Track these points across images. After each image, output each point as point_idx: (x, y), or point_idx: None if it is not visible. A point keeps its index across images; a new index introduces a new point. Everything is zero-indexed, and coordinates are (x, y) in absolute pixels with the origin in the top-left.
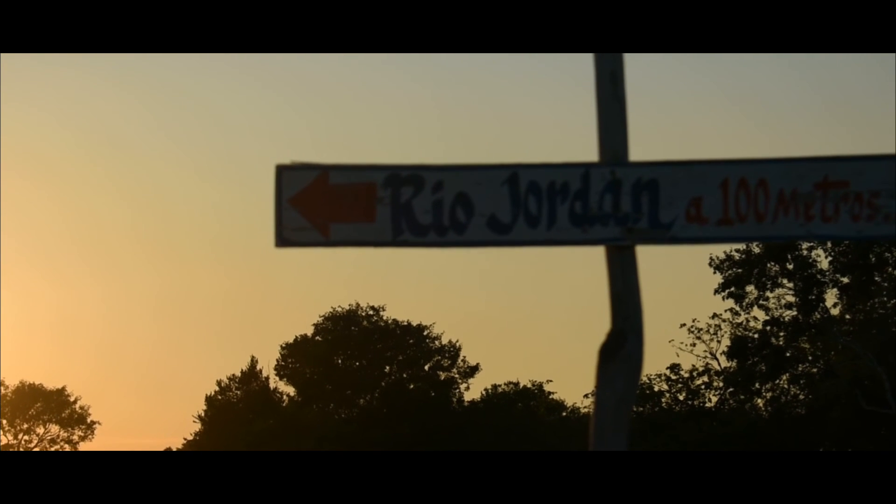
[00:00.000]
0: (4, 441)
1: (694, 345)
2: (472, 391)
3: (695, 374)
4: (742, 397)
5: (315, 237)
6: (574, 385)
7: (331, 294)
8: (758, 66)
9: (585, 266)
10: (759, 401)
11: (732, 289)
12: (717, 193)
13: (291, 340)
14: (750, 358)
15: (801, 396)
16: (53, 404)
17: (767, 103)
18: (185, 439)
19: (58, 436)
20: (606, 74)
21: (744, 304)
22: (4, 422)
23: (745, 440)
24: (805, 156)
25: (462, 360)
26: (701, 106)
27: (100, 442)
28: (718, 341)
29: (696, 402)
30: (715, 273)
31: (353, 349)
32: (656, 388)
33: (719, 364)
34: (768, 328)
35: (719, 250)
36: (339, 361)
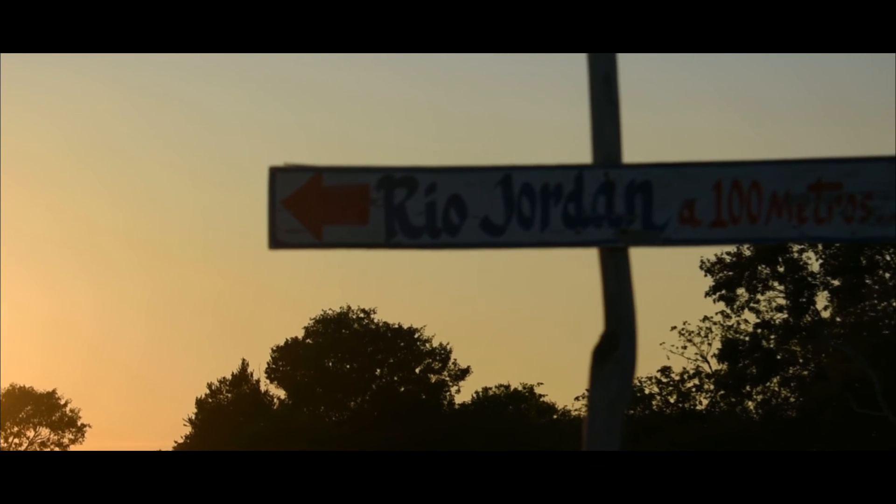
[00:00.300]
0: None
1: (685, 347)
2: (463, 394)
3: (685, 376)
4: (733, 400)
5: (308, 239)
6: (565, 388)
7: (322, 297)
8: (751, 68)
9: (577, 268)
10: (750, 404)
11: (723, 291)
12: (711, 195)
13: (282, 343)
14: (741, 361)
15: (792, 399)
16: (44, 407)
17: (761, 105)
18: (175, 442)
19: (48, 439)
20: (600, 76)
21: (734, 306)
22: None
23: (735, 443)
24: (798, 157)
25: (453, 363)
26: (694, 108)
27: (90, 445)
28: (709, 344)
29: (686, 405)
30: (706, 276)
31: (344, 352)
32: (647, 391)
33: (710, 367)
34: (759, 331)
35: (710, 253)
36: (330, 364)
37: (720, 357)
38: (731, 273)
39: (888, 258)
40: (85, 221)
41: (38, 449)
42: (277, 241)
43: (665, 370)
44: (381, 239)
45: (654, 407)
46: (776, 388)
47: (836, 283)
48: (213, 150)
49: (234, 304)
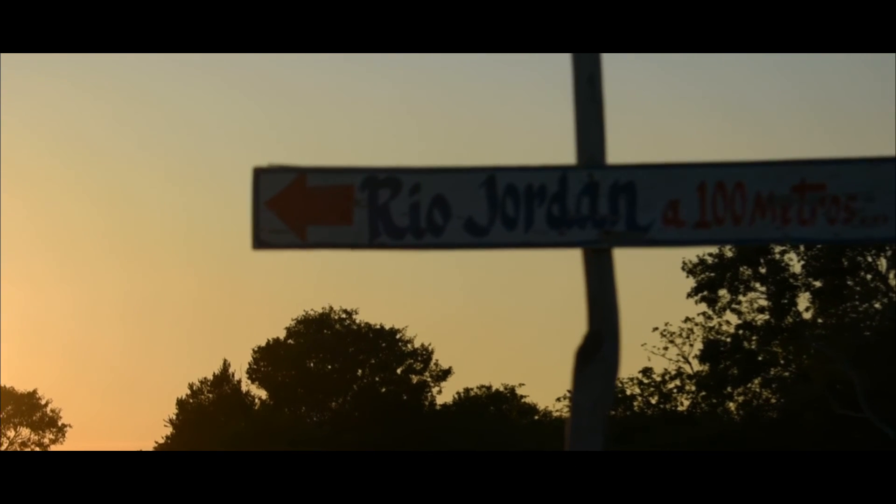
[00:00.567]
0: None
1: (666, 348)
2: (445, 395)
3: (667, 377)
4: (714, 401)
5: (292, 239)
6: (547, 389)
7: (303, 297)
8: (736, 69)
9: (561, 269)
10: (732, 405)
11: (705, 293)
12: (695, 196)
13: (264, 344)
14: (722, 362)
15: (774, 400)
16: (24, 407)
17: (745, 106)
18: (156, 443)
19: (29, 439)
20: (584, 77)
21: (716, 307)
22: None
23: (717, 444)
24: (782, 158)
25: (435, 364)
26: (678, 108)
27: (71, 445)
28: (691, 345)
29: (668, 406)
30: (688, 277)
31: (326, 353)
32: (628, 392)
33: (692, 368)
34: (741, 332)
35: (692, 254)
36: (312, 365)
37: (702, 358)
38: (712, 274)
39: (870, 259)
40: (64, 221)
41: (18, 449)
42: (261, 241)
43: (647, 371)
44: (365, 239)
45: (636, 408)
46: (758, 390)
47: (817, 284)
48: (194, 150)
49: (216, 304)
